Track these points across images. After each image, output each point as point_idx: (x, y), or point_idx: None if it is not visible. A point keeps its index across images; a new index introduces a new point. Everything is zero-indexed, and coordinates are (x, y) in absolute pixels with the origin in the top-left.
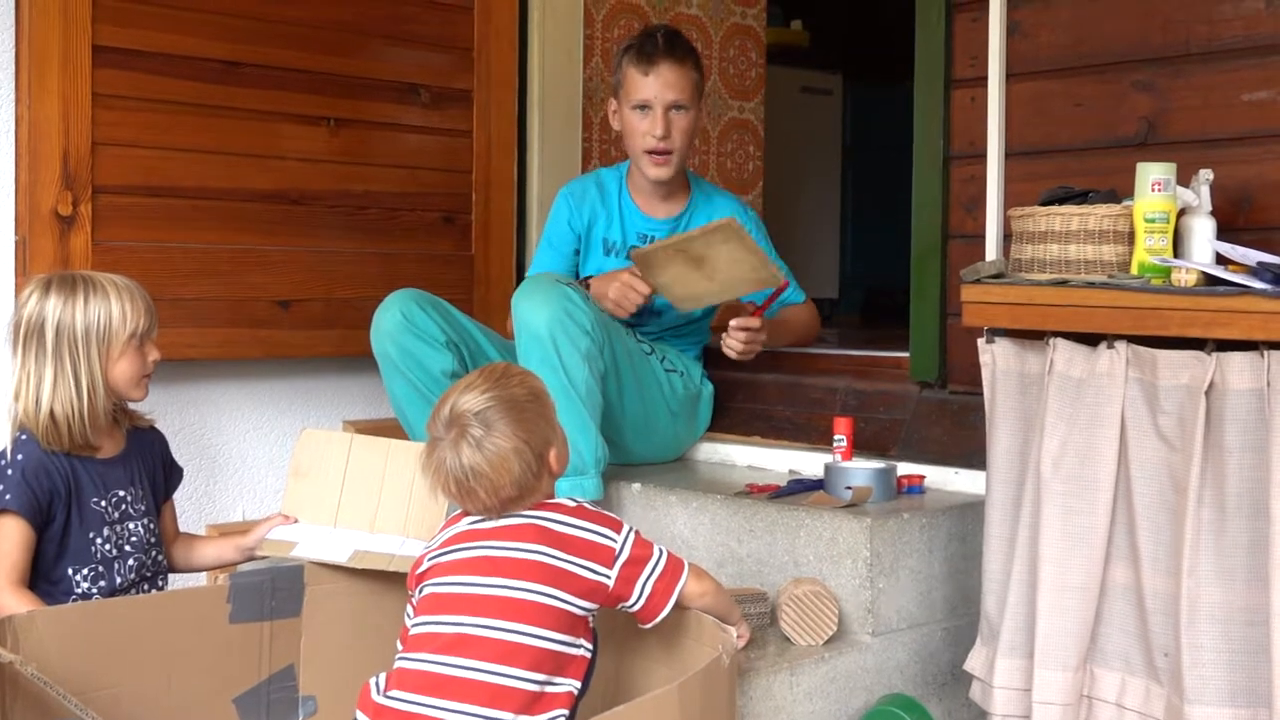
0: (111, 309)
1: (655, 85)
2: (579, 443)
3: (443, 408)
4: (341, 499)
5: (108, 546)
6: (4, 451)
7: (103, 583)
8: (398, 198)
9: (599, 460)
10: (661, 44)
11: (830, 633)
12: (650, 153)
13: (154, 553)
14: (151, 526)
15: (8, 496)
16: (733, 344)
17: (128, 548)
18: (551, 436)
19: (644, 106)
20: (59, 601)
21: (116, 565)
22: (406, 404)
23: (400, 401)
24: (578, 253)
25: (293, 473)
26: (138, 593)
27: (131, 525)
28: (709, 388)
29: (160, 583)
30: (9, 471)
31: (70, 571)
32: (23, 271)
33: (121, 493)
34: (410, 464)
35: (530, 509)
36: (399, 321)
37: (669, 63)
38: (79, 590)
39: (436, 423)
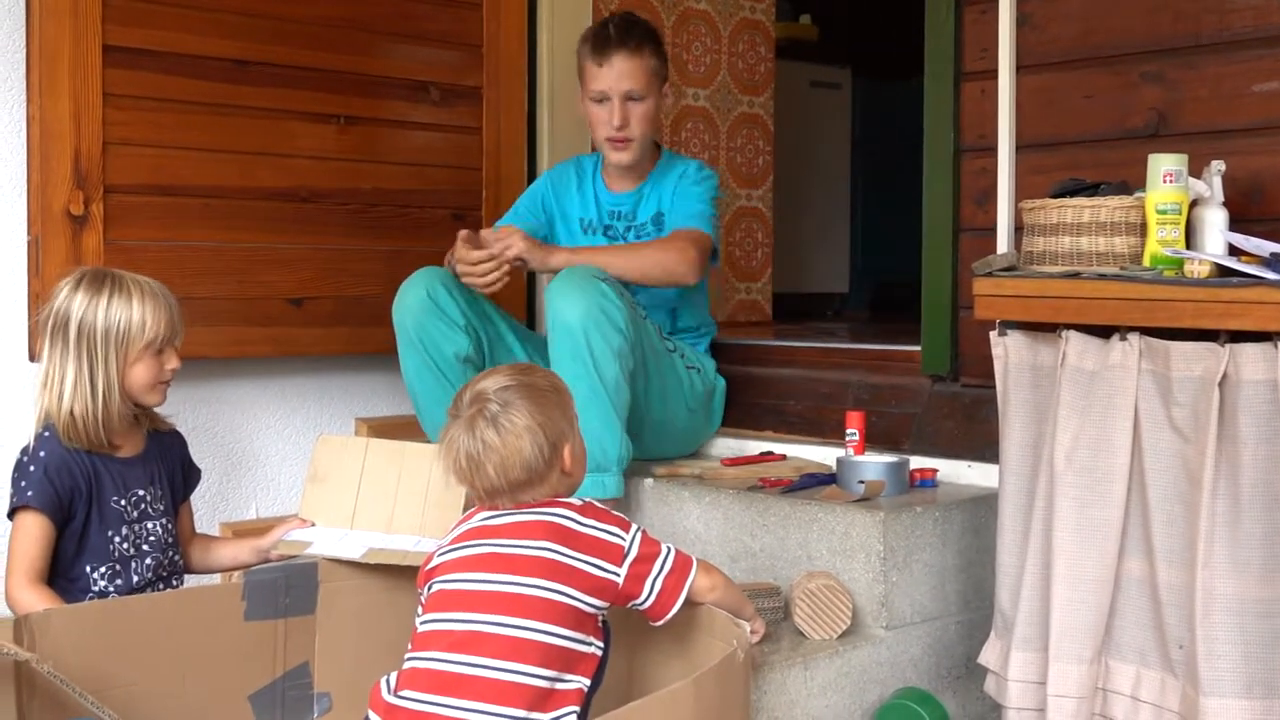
0: (133, 313)
1: (610, 76)
2: (604, 439)
3: (465, 392)
4: (358, 502)
5: (125, 545)
6: (28, 447)
7: (120, 581)
8: (408, 195)
9: (622, 459)
10: (614, 34)
11: (844, 626)
12: (610, 140)
13: (171, 553)
14: (169, 526)
15: (29, 493)
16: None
17: (145, 547)
18: (568, 432)
19: (602, 98)
20: (76, 599)
21: (134, 564)
22: (418, 379)
23: (411, 377)
24: (541, 229)
25: (310, 478)
26: (153, 592)
27: (150, 525)
28: (721, 382)
29: (176, 582)
30: (31, 468)
31: (88, 569)
32: (36, 272)
33: (141, 492)
34: (426, 467)
35: (539, 506)
36: (423, 299)
37: (622, 53)
38: (96, 588)
39: (458, 404)
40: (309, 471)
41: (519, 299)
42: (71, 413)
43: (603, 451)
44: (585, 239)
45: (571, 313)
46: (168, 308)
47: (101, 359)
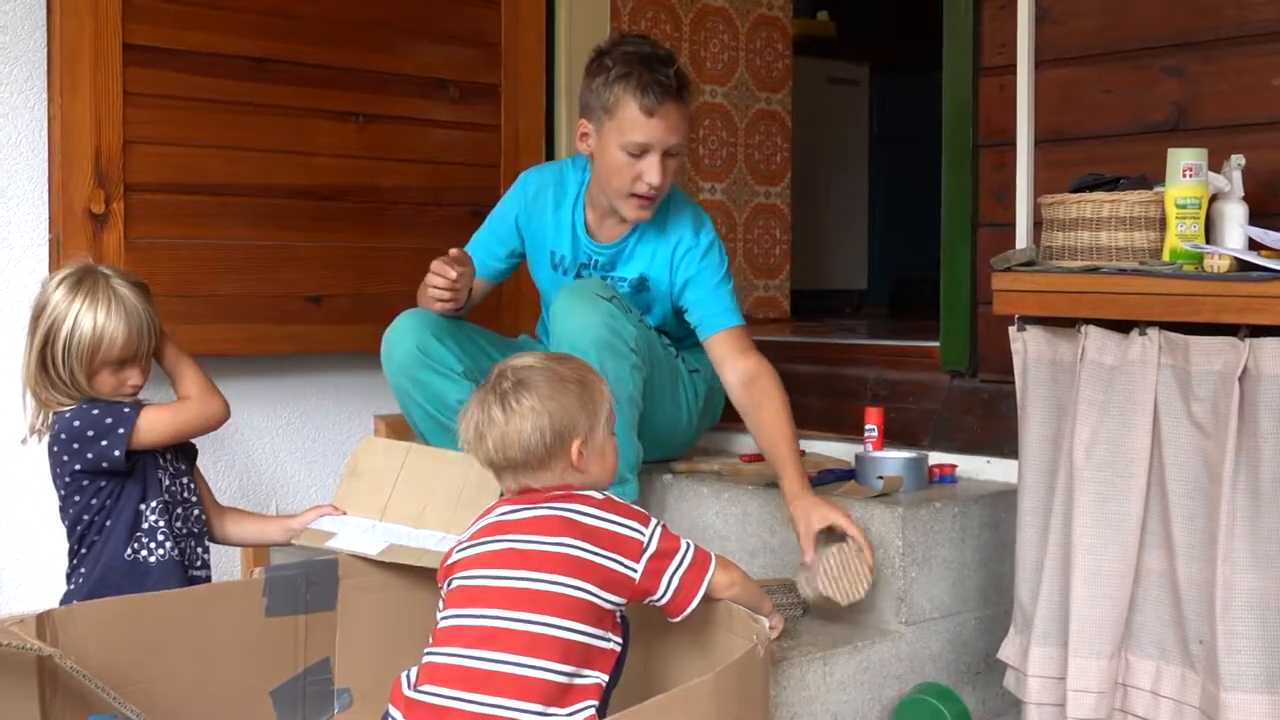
0: (96, 328)
1: (659, 129)
2: (625, 452)
3: (495, 368)
4: (391, 497)
5: (167, 480)
6: (65, 422)
7: (166, 517)
8: (426, 192)
9: (635, 465)
10: (674, 82)
11: (865, 588)
12: (638, 197)
13: (197, 510)
14: (192, 486)
15: (126, 409)
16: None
17: (182, 494)
18: (582, 426)
19: (642, 151)
20: (123, 543)
21: (176, 510)
22: (427, 431)
23: (419, 428)
24: (516, 255)
25: (349, 472)
26: (188, 548)
27: (168, 481)
28: (718, 379)
29: (207, 541)
30: (92, 413)
31: (143, 508)
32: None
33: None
34: (462, 472)
35: (557, 501)
36: (413, 354)
37: (677, 105)
38: (146, 524)
39: (488, 378)
40: (348, 466)
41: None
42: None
43: (624, 463)
44: (552, 274)
45: (583, 339)
46: (126, 329)
47: (64, 366)
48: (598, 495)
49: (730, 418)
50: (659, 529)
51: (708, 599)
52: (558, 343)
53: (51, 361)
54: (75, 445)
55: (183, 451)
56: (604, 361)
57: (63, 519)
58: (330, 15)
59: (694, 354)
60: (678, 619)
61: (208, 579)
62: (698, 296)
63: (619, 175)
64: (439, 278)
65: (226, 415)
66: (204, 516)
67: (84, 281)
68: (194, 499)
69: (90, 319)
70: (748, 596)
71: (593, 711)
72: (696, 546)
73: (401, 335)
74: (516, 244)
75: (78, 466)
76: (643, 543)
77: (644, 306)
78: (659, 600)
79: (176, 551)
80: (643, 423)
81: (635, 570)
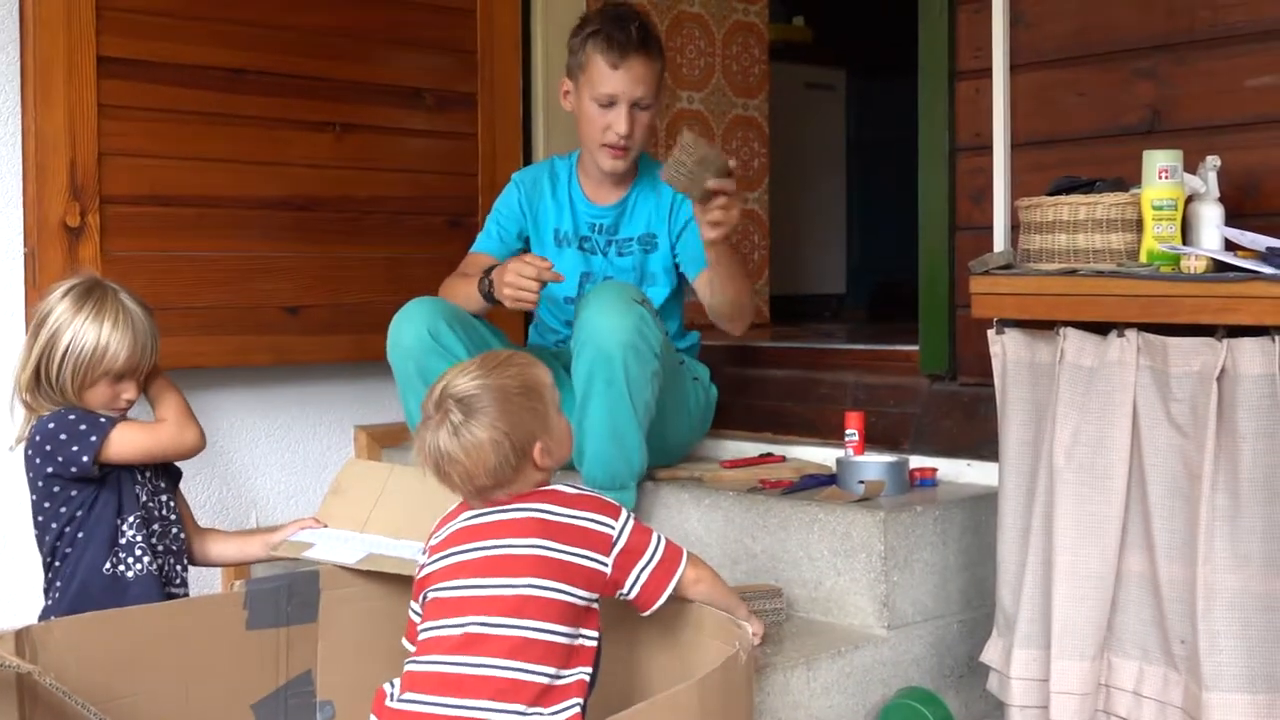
0: (99, 339)
1: (624, 81)
2: (631, 458)
3: (436, 387)
4: (372, 511)
5: (145, 496)
6: (44, 428)
7: (144, 531)
8: (403, 202)
9: (639, 473)
10: (635, 36)
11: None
12: (610, 147)
13: (175, 529)
14: (171, 504)
15: (103, 419)
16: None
17: (158, 512)
18: (538, 431)
19: (610, 101)
20: (103, 555)
21: (155, 525)
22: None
23: (415, 418)
24: (524, 238)
25: (331, 490)
26: (167, 565)
27: (145, 497)
28: (714, 390)
29: (185, 559)
30: (69, 418)
31: (119, 522)
32: (33, 284)
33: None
34: (444, 491)
35: (527, 500)
36: (423, 339)
37: (641, 57)
38: (124, 540)
39: (429, 402)
40: (331, 485)
41: (516, 319)
42: (25, 403)
43: (628, 470)
44: (556, 251)
45: (610, 340)
46: (131, 343)
47: (58, 375)
48: (568, 490)
49: (729, 425)
50: (629, 522)
51: (677, 596)
52: (584, 338)
53: (46, 369)
54: (48, 448)
55: (165, 471)
56: (629, 364)
57: (35, 527)
58: (306, 25)
59: (692, 361)
60: (646, 614)
61: (186, 596)
62: (692, 238)
63: (592, 126)
64: (530, 268)
65: (201, 445)
66: (183, 536)
67: (92, 293)
68: (173, 517)
69: (95, 330)
70: (718, 595)
71: (578, 710)
72: (668, 542)
73: (411, 319)
74: (525, 226)
75: (49, 470)
76: (612, 537)
77: (652, 274)
78: (626, 595)
79: (155, 567)
80: (650, 432)
81: (606, 565)
